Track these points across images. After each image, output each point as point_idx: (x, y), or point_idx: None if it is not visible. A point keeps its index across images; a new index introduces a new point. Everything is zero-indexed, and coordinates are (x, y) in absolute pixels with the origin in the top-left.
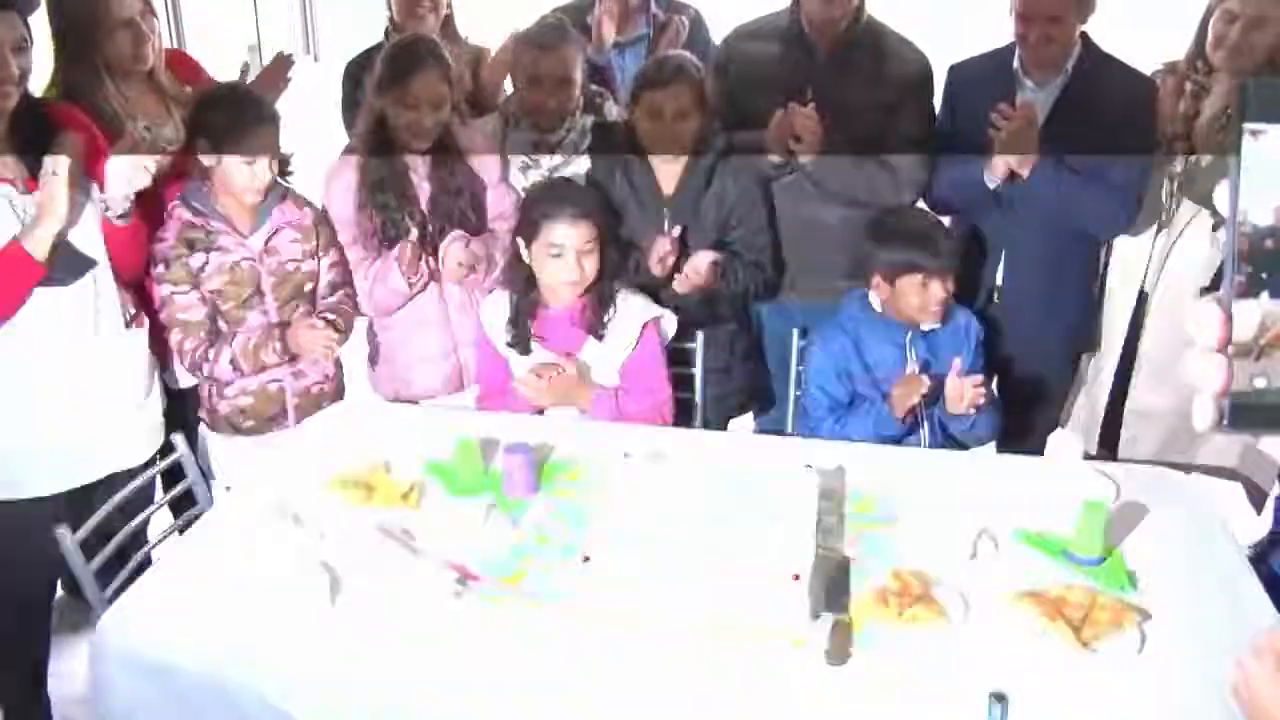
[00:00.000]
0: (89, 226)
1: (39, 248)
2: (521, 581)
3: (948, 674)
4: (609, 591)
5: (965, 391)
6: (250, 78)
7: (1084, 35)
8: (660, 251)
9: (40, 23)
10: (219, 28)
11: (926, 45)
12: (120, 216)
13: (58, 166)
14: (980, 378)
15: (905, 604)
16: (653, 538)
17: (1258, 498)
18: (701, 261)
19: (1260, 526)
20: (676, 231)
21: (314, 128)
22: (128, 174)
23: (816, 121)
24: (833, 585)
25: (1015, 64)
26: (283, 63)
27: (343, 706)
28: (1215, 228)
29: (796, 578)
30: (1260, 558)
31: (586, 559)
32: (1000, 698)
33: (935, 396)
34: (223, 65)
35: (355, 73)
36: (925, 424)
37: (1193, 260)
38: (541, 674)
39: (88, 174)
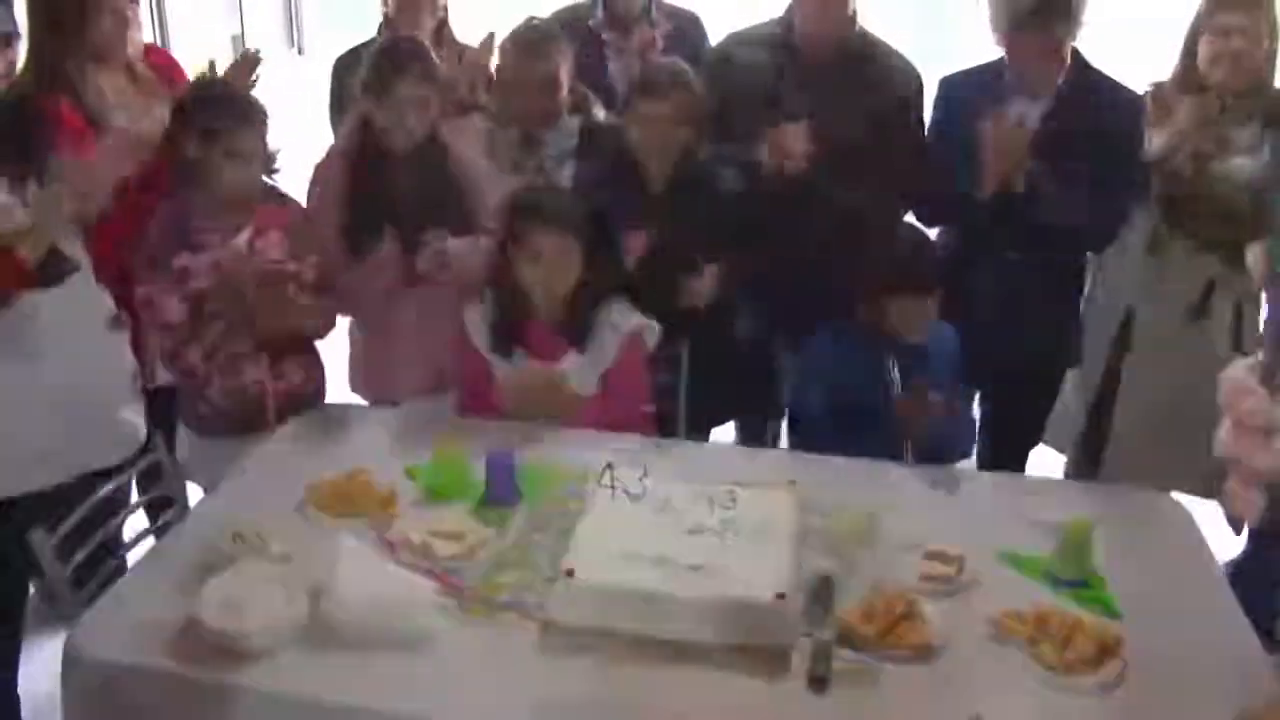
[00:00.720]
0: (72, 227)
1: (33, 254)
2: (502, 593)
3: (929, 697)
4: (591, 606)
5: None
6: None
7: (1074, 51)
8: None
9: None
10: (201, 18)
11: (917, 59)
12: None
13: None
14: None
15: (888, 623)
16: (635, 552)
17: (1236, 518)
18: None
19: (1237, 546)
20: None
21: (299, 124)
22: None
23: (804, 137)
24: (816, 603)
25: (1005, 79)
26: (250, 60)
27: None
28: (1200, 249)
29: (781, 596)
30: (1237, 577)
31: (570, 572)
32: None
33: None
34: (205, 57)
35: (343, 70)
36: (906, 439)
37: (1179, 280)
38: (520, 687)
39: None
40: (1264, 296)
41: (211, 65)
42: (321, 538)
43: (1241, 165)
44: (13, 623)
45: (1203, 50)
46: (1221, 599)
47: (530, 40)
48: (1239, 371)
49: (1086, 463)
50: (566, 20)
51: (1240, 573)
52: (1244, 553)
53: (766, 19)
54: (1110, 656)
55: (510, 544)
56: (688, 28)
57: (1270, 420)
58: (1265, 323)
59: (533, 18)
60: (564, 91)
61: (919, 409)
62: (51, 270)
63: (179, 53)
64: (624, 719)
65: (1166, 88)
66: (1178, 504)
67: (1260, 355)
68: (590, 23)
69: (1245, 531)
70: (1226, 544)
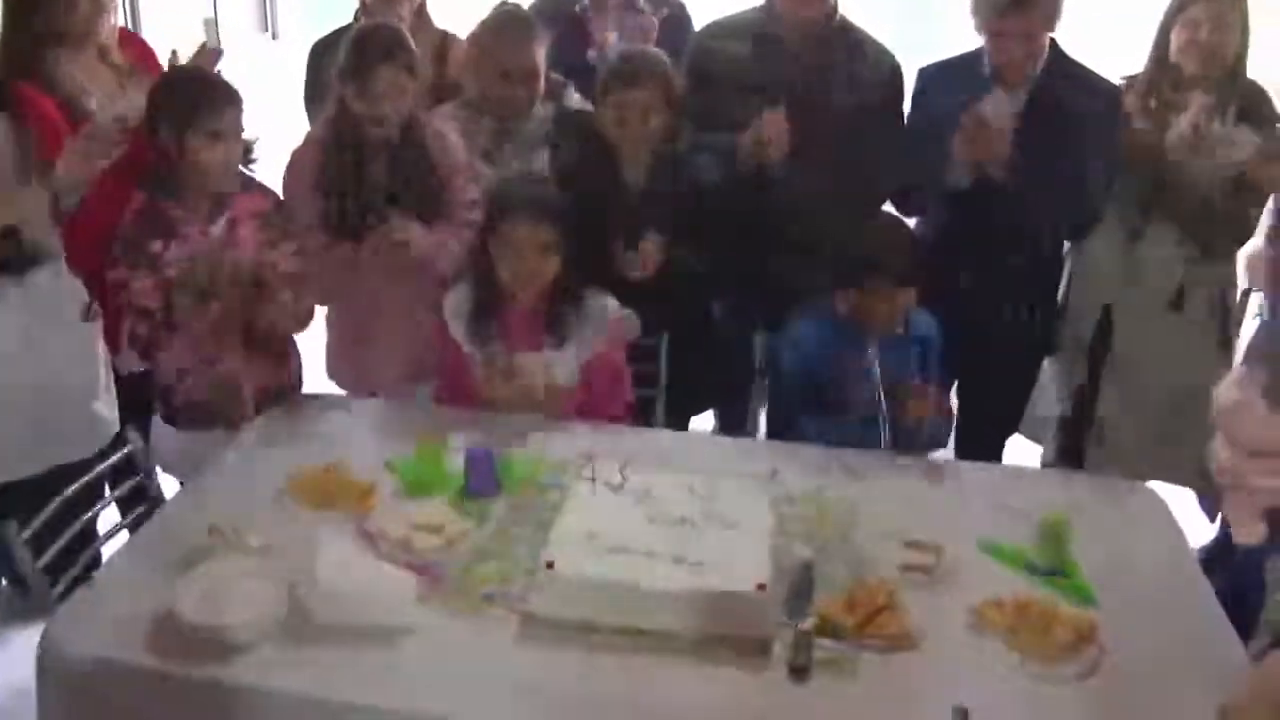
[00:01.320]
0: (44, 216)
1: None
2: (482, 585)
3: (909, 686)
4: (571, 597)
5: (928, 400)
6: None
7: (1052, 41)
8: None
9: None
10: (173, 1)
11: (900, 50)
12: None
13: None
14: (943, 389)
15: (868, 613)
16: (616, 543)
17: (1210, 506)
18: (651, 246)
19: (1210, 534)
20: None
21: (273, 109)
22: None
23: (786, 125)
24: (796, 593)
25: (984, 69)
26: (209, 55)
27: (299, 714)
28: (1180, 241)
29: (762, 586)
30: (1209, 564)
31: (550, 564)
32: (962, 712)
33: (894, 401)
34: (177, 40)
35: (319, 56)
36: (884, 427)
37: (1159, 271)
38: (501, 679)
39: (44, 159)
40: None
41: (174, 56)
42: (300, 530)
43: (1218, 155)
44: None
45: (1174, 41)
46: (1196, 586)
47: (505, 27)
48: (1234, 388)
49: (1068, 452)
50: (553, 4)
51: (1213, 559)
52: (1216, 539)
53: (748, 7)
54: (1087, 644)
55: (490, 536)
56: (675, 15)
57: (1272, 443)
58: (1261, 335)
59: (505, 2)
60: (541, 79)
61: (922, 407)
62: (18, 257)
63: (150, 36)
64: (605, 711)
65: (1140, 79)
66: (1153, 492)
67: (1242, 363)
68: (577, 8)
69: (1219, 519)
70: (1200, 530)
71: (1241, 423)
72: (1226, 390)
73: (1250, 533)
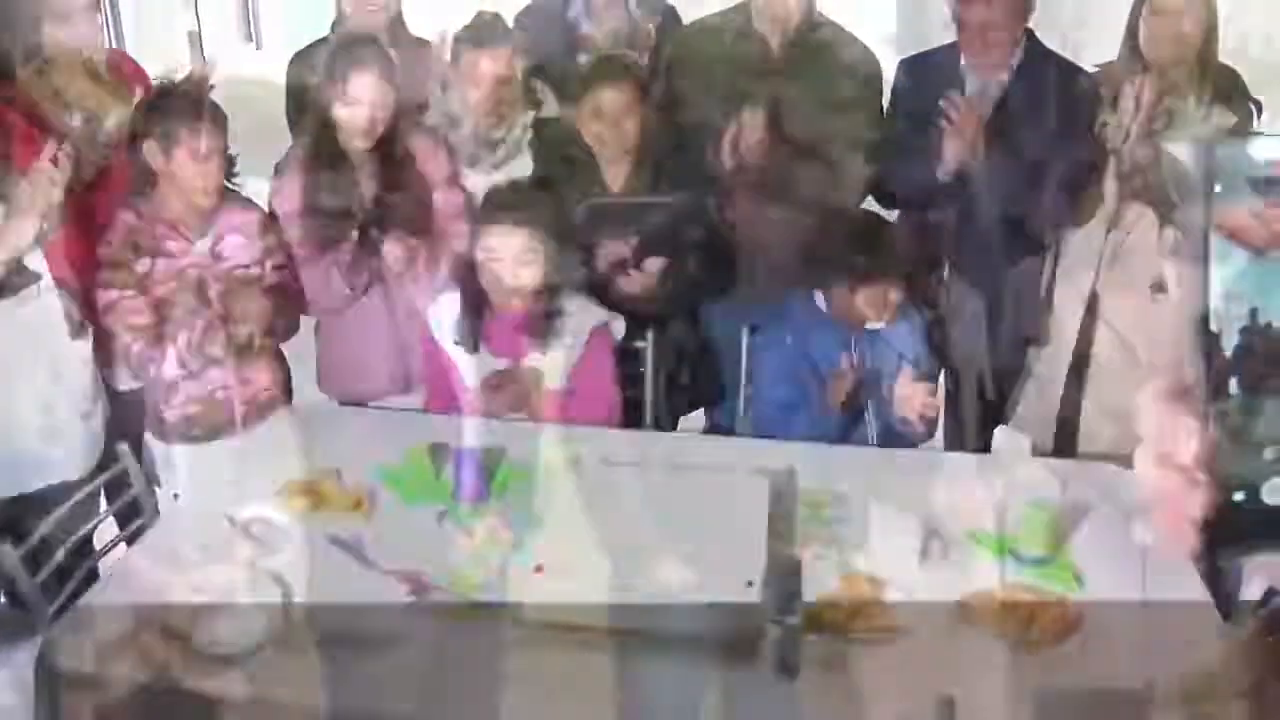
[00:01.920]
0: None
1: None
2: (473, 590)
3: (897, 678)
4: (561, 600)
5: (916, 396)
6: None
7: (1028, 32)
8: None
9: None
10: (157, 14)
11: (892, 45)
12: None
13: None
14: (932, 385)
15: (856, 606)
16: (605, 545)
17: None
18: (652, 267)
19: None
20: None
21: (257, 117)
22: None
23: (765, 125)
24: (784, 590)
25: (961, 61)
26: (199, 80)
27: None
28: (1162, 227)
29: (750, 584)
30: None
31: (539, 568)
32: (947, 702)
33: (881, 396)
34: (161, 51)
35: (299, 68)
36: (871, 422)
37: (1141, 257)
38: (493, 682)
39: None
40: None
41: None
42: (292, 540)
43: (1193, 138)
44: None
45: (1143, 30)
46: (1182, 570)
47: (482, 36)
48: (1161, 398)
49: (1056, 440)
50: (545, 9)
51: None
52: None
53: (722, 9)
54: (1074, 631)
55: (480, 541)
56: (666, 19)
57: (1193, 453)
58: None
59: (483, 12)
60: (516, 86)
61: (908, 401)
62: (6, 277)
63: (135, 49)
64: (598, 711)
65: (1113, 67)
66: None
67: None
68: (569, 15)
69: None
70: None
71: (1177, 437)
72: (1154, 407)
73: (1181, 549)
